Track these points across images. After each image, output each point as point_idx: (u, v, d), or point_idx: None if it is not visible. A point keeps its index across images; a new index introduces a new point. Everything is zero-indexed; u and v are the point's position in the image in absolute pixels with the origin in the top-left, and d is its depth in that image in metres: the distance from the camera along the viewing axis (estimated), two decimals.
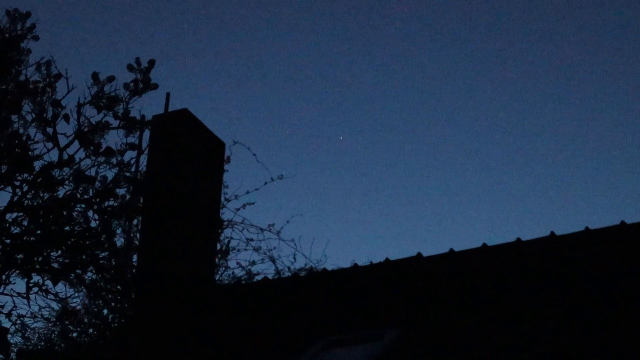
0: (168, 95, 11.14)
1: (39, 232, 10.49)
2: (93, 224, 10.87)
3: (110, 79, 10.95)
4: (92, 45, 21.07)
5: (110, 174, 10.86)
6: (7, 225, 10.44)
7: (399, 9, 22.17)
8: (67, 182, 10.64)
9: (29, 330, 12.13)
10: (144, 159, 11.07)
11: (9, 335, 10.93)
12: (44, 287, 10.71)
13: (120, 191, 11.01)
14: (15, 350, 11.88)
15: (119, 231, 11.69)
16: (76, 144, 10.71)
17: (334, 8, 22.43)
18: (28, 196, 10.54)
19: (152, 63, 11.06)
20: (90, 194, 10.76)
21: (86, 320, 12.28)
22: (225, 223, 12.92)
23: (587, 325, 7.27)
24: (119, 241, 11.70)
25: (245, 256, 20.51)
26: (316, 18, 22.74)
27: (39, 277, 10.65)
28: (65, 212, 10.55)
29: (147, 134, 11.03)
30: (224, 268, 12.96)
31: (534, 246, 8.58)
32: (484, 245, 8.78)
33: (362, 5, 22.36)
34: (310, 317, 8.70)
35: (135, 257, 11.45)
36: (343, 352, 7.79)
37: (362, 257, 22.13)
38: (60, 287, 11.61)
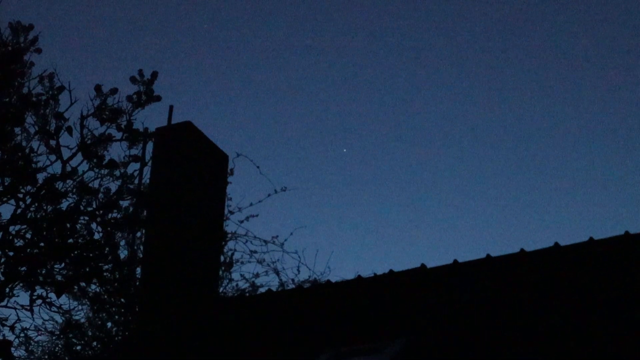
0: (171, 107, 11.14)
1: (42, 244, 10.47)
2: (97, 236, 10.87)
3: (113, 91, 10.96)
4: (94, 58, 21.09)
5: (113, 186, 10.88)
6: (11, 237, 10.42)
7: (404, 22, 22.19)
8: (70, 195, 10.64)
9: (32, 343, 12.11)
10: (147, 171, 11.07)
11: (13, 348, 10.91)
12: (47, 300, 10.70)
13: (124, 203, 11.02)
14: None
15: (122, 243, 11.69)
16: (79, 156, 10.71)
17: (337, 22, 22.45)
18: (31, 208, 10.54)
19: (155, 75, 11.08)
20: (94, 206, 10.76)
21: (90, 333, 12.25)
22: (229, 235, 12.90)
23: (591, 336, 7.25)
24: (123, 253, 11.69)
25: (249, 268, 20.51)
26: (319, 32, 22.76)
27: (42, 290, 10.64)
28: (68, 225, 10.54)
29: (150, 146, 11.04)
30: (227, 280, 12.95)
31: (538, 257, 8.57)
32: (488, 256, 8.77)
33: (364, 18, 22.38)
34: (314, 330, 8.69)
35: (139, 270, 11.43)
36: None
37: (366, 269, 22.15)
38: (64, 300, 11.60)
